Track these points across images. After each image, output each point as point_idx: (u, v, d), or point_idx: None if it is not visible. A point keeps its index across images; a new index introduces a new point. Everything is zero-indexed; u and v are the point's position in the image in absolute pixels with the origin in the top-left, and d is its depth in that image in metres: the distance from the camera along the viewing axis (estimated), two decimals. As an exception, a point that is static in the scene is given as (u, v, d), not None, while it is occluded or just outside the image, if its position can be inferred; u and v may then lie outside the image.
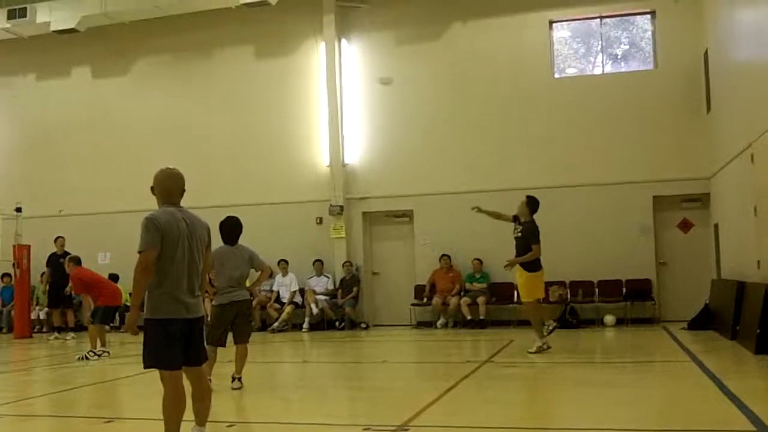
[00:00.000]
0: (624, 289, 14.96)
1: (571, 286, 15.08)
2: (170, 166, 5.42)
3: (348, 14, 16.95)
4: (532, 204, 10.87)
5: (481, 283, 15.50)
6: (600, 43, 16.20)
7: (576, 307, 14.82)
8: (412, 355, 12.24)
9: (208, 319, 6.55)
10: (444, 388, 7.90)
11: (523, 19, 16.15)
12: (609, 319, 14.72)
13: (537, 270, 10.64)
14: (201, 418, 5.39)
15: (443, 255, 15.76)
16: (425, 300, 15.80)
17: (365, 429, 6.12)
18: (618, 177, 15.23)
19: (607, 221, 15.21)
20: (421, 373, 10.01)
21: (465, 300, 15.27)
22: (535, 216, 10.80)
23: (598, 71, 16.30)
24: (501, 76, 16.06)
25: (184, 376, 5.22)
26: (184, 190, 5.37)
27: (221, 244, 8.15)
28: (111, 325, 15.29)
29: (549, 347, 10.63)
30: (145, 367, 5.19)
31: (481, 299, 15.16)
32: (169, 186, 5.33)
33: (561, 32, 16.37)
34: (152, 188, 5.36)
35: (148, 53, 18.41)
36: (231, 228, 8.29)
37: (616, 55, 16.44)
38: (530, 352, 10.50)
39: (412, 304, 16.05)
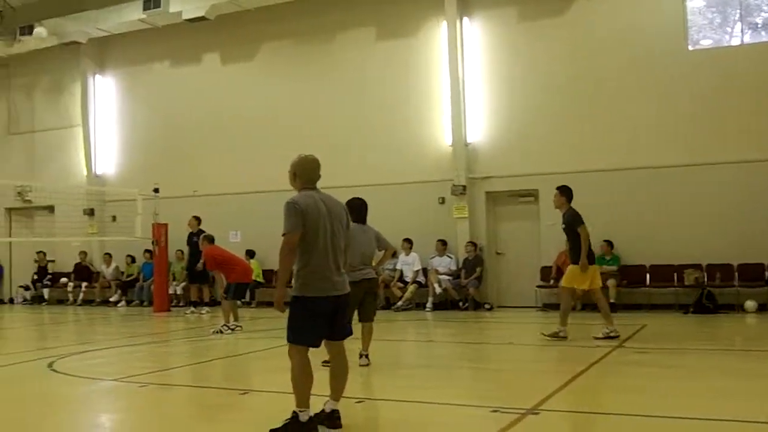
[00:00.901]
0: (767, 273, 14.19)
1: (708, 269, 14.42)
2: (307, 153, 5.69)
3: (469, -8, 16.77)
4: (566, 192, 10.73)
5: (611, 265, 15.05)
6: (738, 11, 15.31)
7: (713, 292, 14.16)
8: (539, 338, 12.01)
9: None
10: (574, 373, 7.74)
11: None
12: (750, 304, 13.93)
13: (590, 263, 10.42)
14: (336, 393, 5.54)
15: (570, 236, 15.40)
16: (552, 282, 15.52)
17: (493, 411, 6.07)
18: (760, 154, 14.37)
19: (749, 201, 14.40)
20: (549, 356, 9.82)
21: (594, 282, 14.87)
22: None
23: (736, 42, 15.41)
24: (630, 49, 15.45)
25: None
26: (320, 175, 5.62)
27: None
28: (242, 300, 15.89)
29: (565, 336, 10.48)
30: (288, 341, 5.39)
31: (611, 282, 14.71)
32: (307, 171, 5.60)
33: (695, 1, 15.55)
34: (291, 174, 5.63)
35: (273, 38, 18.83)
36: (360, 208, 8.43)
37: (756, 23, 15.47)
38: (544, 334, 10.65)
39: (538, 286, 15.81)
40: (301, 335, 5.34)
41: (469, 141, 16.64)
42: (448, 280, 16.11)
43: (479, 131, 16.67)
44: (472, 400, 6.91)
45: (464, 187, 16.40)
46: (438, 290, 16.02)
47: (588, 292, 10.87)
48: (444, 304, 16.20)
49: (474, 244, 16.26)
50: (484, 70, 16.70)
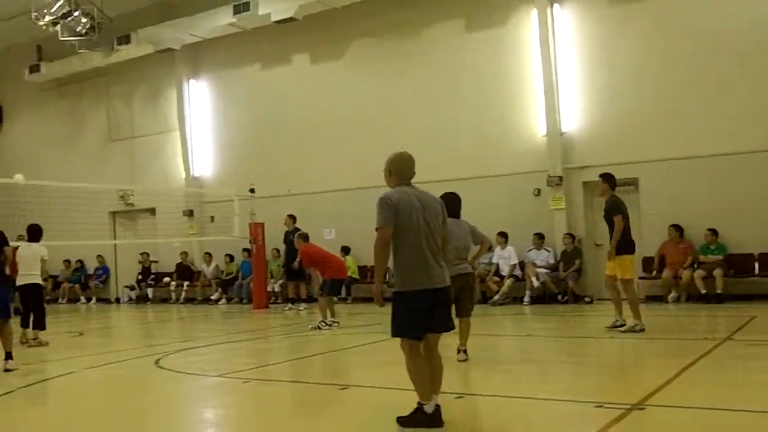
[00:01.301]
0: None
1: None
2: (402, 150, 5.72)
3: (561, -22, 16.39)
4: (609, 179, 10.65)
5: (717, 255, 14.47)
6: None
7: None
8: (642, 331, 11.65)
9: None
10: (680, 367, 7.43)
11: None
12: None
13: (624, 252, 10.24)
14: (434, 387, 5.50)
15: (672, 225, 14.91)
16: (654, 273, 15.05)
17: (597, 406, 5.92)
18: None
19: None
20: (653, 350, 9.50)
21: (699, 273, 14.32)
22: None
23: None
24: (733, 31, 14.75)
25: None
26: (414, 172, 5.66)
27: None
28: (338, 296, 16.04)
29: (642, 329, 10.22)
30: (392, 336, 5.43)
31: (717, 272, 14.14)
32: (402, 168, 5.64)
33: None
34: (387, 171, 5.68)
35: (360, 36, 18.90)
36: (453, 202, 8.38)
37: None
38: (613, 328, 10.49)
39: (640, 278, 15.31)
40: (403, 329, 5.38)
41: (564, 130, 16.29)
42: (546, 273, 15.83)
43: (574, 120, 16.29)
44: (575, 396, 6.73)
45: (560, 177, 16.07)
46: (536, 284, 15.76)
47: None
48: (542, 297, 15.93)
49: (572, 236, 15.93)
50: (576, 57, 16.31)
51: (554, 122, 16.19)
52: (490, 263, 16.44)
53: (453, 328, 5.72)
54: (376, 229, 5.38)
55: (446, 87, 17.62)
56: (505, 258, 16.30)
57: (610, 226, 10.33)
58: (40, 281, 11.48)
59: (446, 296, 5.52)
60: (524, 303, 15.80)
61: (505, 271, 16.21)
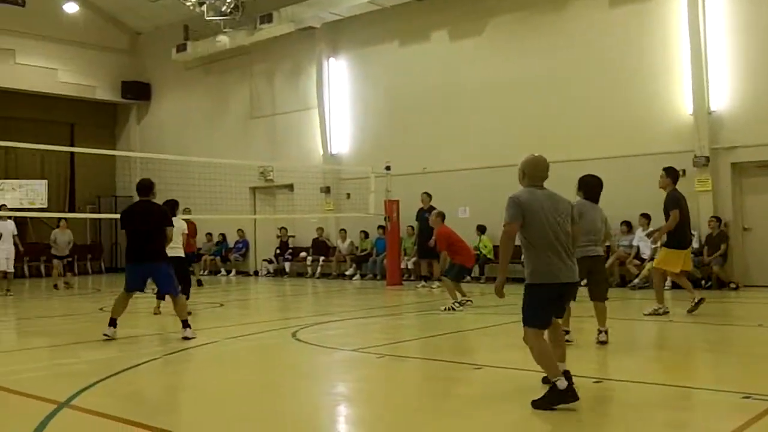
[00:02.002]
0: None
1: None
2: (536, 153, 5.99)
3: (714, -53, 15.50)
4: (671, 173, 10.74)
5: None
6: None
7: None
8: (667, 314, 11.02)
9: None
10: (838, 359, 6.99)
11: None
12: None
13: (674, 247, 10.51)
14: (560, 357, 5.90)
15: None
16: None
17: (745, 397, 5.65)
18: None
19: None
20: (807, 340, 8.97)
21: None
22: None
23: None
24: None
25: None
26: (547, 175, 5.94)
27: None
28: (471, 276, 16.01)
29: (667, 311, 10.78)
30: (524, 325, 5.75)
31: None
32: (534, 171, 5.92)
33: None
34: (521, 172, 5.96)
35: (502, 12, 18.58)
36: (593, 186, 8.34)
37: None
38: (645, 314, 10.74)
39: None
40: (532, 320, 5.73)
41: (712, 109, 15.49)
42: (690, 257, 15.15)
43: (724, 98, 15.45)
44: (720, 385, 6.45)
45: (707, 158, 15.32)
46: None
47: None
48: (684, 282, 15.29)
49: (718, 219, 15.19)
50: (728, 31, 15.43)
51: (702, 100, 15.42)
52: (631, 245, 15.94)
53: (563, 313, 6.18)
54: (504, 225, 5.71)
55: (589, 64, 17.09)
56: (646, 240, 15.72)
57: (667, 218, 10.59)
58: (182, 254, 11.99)
59: (573, 291, 5.93)
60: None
61: (646, 254, 15.65)
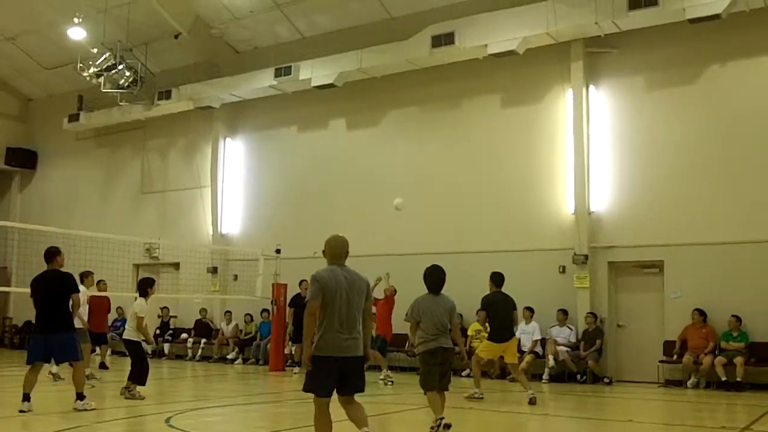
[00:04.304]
0: None
1: None
2: (338, 234, 6.62)
3: (596, 60, 16.56)
4: (492, 277, 12.01)
5: (739, 342, 14.22)
6: None
7: None
8: (661, 416, 11.43)
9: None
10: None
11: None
12: None
13: (490, 340, 12.05)
14: (360, 423, 6.40)
15: (696, 310, 14.72)
16: (675, 357, 14.80)
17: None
18: None
19: None
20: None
21: (720, 359, 14.08)
22: None
23: None
24: (765, 119, 14.84)
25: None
26: (347, 252, 6.54)
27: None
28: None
29: (481, 396, 11.77)
30: (303, 390, 6.33)
31: (738, 359, 13.89)
32: (334, 250, 6.53)
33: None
34: (323, 251, 6.55)
35: (398, 105, 19.15)
36: (432, 277, 8.73)
37: None
38: (465, 396, 10.71)
39: (661, 361, 15.09)
40: (313, 387, 6.27)
41: (592, 209, 16.28)
42: (567, 351, 15.62)
43: (603, 200, 16.28)
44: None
45: (586, 256, 15.99)
46: (551, 363, 15.53)
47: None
48: (561, 376, 15.69)
49: (594, 315, 15.76)
50: (609, 138, 16.40)
51: (583, 201, 16.19)
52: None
53: (363, 389, 6.45)
54: (306, 302, 6.31)
55: (482, 159, 17.70)
56: (528, 333, 16.11)
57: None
58: (131, 336, 11.55)
59: (356, 363, 6.34)
60: (543, 380, 15.56)
61: (526, 346, 16.01)
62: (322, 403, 6.25)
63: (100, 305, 15.31)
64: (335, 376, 6.22)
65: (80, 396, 9.59)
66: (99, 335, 15.34)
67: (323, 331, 6.21)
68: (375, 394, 12.46)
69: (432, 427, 8.18)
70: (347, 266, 6.51)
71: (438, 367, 8.49)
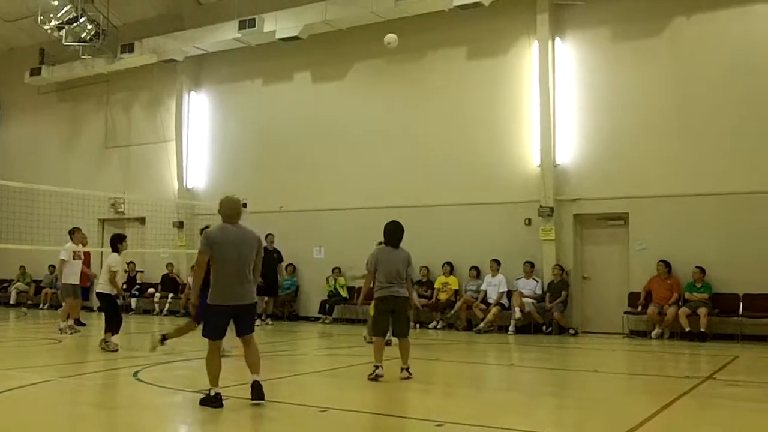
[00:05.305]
0: None
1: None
2: (230, 194, 7.44)
3: (563, 12, 16.51)
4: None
5: (702, 293, 14.51)
6: None
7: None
8: (625, 366, 11.65)
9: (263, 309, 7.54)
10: (661, 404, 7.43)
11: (753, 10, 14.94)
12: None
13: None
14: (254, 368, 7.17)
15: (661, 261, 14.95)
16: (640, 308, 15.06)
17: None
18: None
19: None
20: (635, 386, 9.50)
21: (684, 310, 14.37)
22: None
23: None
24: (729, 72, 14.93)
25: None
26: (239, 212, 7.30)
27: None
28: (324, 315, 15.92)
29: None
30: (202, 336, 7.15)
31: (702, 310, 14.19)
32: (226, 210, 7.28)
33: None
34: (218, 210, 7.26)
35: (364, 57, 18.96)
36: (391, 232, 9.07)
37: None
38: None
39: (626, 312, 15.36)
40: (209, 333, 7.11)
41: (558, 162, 16.36)
42: (533, 303, 15.82)
43: (569, 152, 16.37)
44: (555, 428, 6.72)
45: (551, 209, 16.12)
46: (517, 315, 15.73)
47: None
48: (527, 327, 15.91)
49: (560, 268, 15.94)
50: (575, 91, 16.42)
51: (549, 154, 16.25)
52: (478, 290, 16.42)
53: (253, 330, 7.26)
54: (198, 254, 7.12)
55: (447, 112, 17.68)
56: (494, 285, 16.28)
57: None
58: (104, 290, 11.88)
59: (247, 310, 7.16)
60: (509, 332, 15.77)
61: (492, 298, 16.18)
62: (216, 345, 7.08)
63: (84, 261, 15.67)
64: (227, 322, 7.09)
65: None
66: (84, 289, 15.71)
67: (215, 283, 6.98)
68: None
69: (369, 375, 8.59)
70: (240, 224, 7.20)
71: (388, 314, 8.84)
